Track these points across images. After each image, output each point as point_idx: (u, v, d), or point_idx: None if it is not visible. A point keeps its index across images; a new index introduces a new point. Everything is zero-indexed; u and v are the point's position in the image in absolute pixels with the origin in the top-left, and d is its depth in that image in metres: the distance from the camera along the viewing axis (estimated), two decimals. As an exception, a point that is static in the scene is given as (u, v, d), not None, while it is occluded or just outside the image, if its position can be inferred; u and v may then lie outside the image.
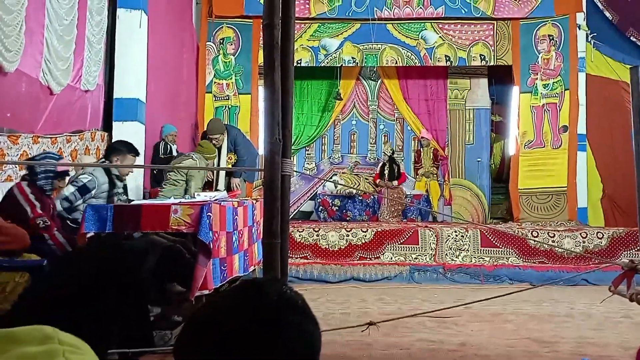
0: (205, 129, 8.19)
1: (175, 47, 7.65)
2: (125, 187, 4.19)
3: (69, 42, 4.95)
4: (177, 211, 3.14)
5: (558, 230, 6.65)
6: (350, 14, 8.48)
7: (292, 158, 8.17)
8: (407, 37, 8.62)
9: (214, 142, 6.15)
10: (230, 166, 6.25)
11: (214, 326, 0.79)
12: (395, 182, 8.51)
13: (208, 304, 0.85)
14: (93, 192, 3.76)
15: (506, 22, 8.56)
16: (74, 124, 5.17)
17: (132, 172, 5.21)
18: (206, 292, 3.19)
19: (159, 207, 3.26)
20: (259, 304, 0.81)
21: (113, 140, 4.37)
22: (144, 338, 2.56)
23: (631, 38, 8.29)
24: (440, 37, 8.59)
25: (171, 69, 7.48)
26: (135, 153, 4.03)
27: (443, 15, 8.47)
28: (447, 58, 8.62)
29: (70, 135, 5.04)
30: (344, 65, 8.89)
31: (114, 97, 6.06)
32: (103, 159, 3.98)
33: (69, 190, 3.66)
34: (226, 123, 7.13)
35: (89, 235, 3.09)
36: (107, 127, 5.98)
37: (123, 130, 5.89)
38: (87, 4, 5.34)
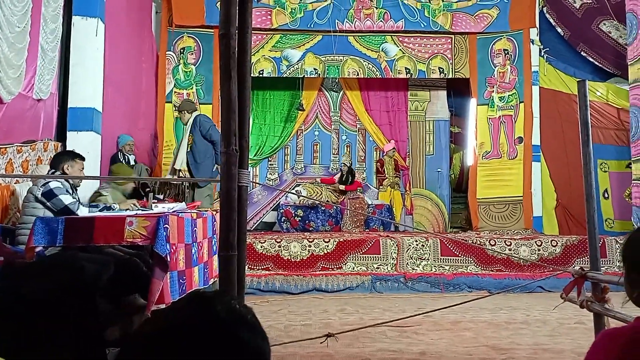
0: (164, 139, 8.15)
1: (133, 56, 7.51)
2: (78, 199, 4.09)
3: (21, 49, 4.78)
4: (133, 223, 3.06)
5: (514, 239, 6.82)
6: (312, 26, 8.53)
7: (254, 169, 8.25)
8: (368, 49, 8.74)
9: (180, 116, 6.32)
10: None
11: (159, 343, 0.76)
12: (342, 187, 8.53)
13: (152, 320, 0.82)
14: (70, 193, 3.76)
15: (463, 36, 8.79)
16: (25, 134, 4.99)
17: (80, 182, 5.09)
18: (163, 306, 3.11)
19: (113, 220, 3.17)
20: (208, 320, 0.79)
21: (56, 153, 4.32)
22: (96, 356, 2.47)
23: (582, 53, 8.64)
24: (400, 49, 8.74)
25: (130, 78, 7.34)
26: (82, 158, 4.02)
27: (403, 29, 8.63)
28: (407, 70, 8.78)
29: (22, 146, 4.86)
30: (306, 76, 8.92)
31: (69, 106, 5.88)
32: (53, 171, 3.89)
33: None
34: (203, 114, 6.99)
35: (37, 249, 2.97)
36: (62, 137, 5.79)
37: (78, 141, 5.73)
38: (42, 11, 5.18)
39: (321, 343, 2.65)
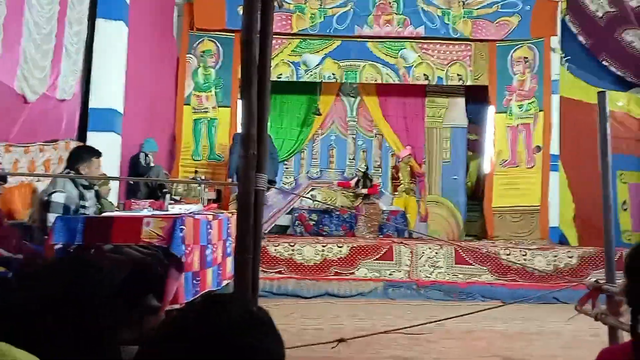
0: (183, 141, 8.28)
1: (155, 58, 7.62)
2: (97, 194, 4.06)
3: (47, 51, 4.90)
4: (150, 224, 3.10)
5: (530, 249, 6.75)
6: (331, 31, 8.57)
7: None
8: (386, 55, 8.74)
9: None
10: None
11: (174, 346, 0.78)
12: (364, 190, 8.47)
13: (167, 322, 0.84)
14: (72, 207, 3.58)
15: (483, 43, 8.74)
16: (48, 133, 5.10)
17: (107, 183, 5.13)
18: (177, 306, 3.14)
19: (131, 220, 3.22)
20: (223, 323, 0.79)
21: (72, 149, 4.09)
22: (110, 354, 2.51)
23: (603, 62, 8.54)
24: (419, 56, 8.73)
25: (150, 80, 7.44)
26: (99, 154, 3.83)
27: (423, 35, 8.62)
28: (426, 77, 8.76)
29: (44, 145, 4.96)
30: (324, 81, 8.95)
31: (90, 107, 5.99)
32: (67, 170, 3.76)
33: (51, 219, 3.39)
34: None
35: (57, 247, 3.03)
36: (83, 137, 5.90)
37: (98, 141, 5.80)
38: (67, 14, 5.30)
39: (332, 348, 2.66)
